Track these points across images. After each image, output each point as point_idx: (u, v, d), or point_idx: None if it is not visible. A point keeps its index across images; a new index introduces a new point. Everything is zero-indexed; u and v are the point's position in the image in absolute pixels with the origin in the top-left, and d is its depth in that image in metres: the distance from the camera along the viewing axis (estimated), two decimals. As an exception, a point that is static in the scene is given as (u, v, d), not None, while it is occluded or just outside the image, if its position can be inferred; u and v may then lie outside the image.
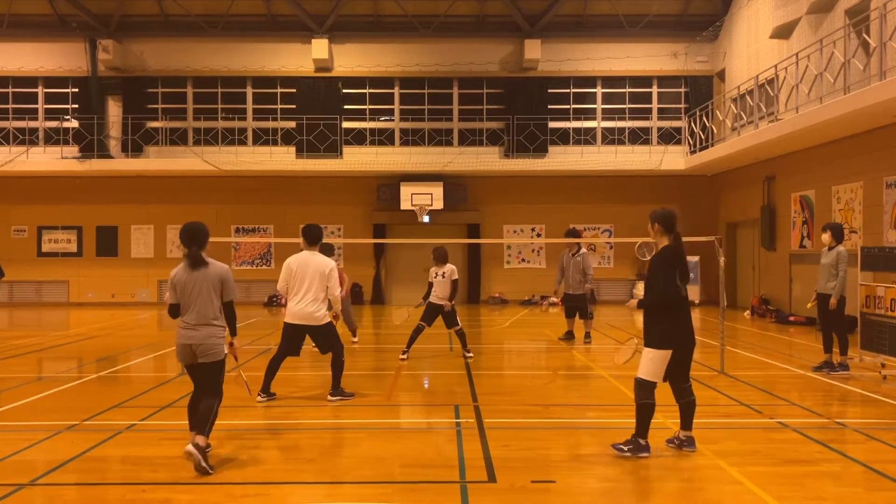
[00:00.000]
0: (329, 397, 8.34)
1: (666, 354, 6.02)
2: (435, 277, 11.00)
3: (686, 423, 6.27)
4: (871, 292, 10.09)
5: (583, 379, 10.06)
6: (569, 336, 13.60)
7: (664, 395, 8.72)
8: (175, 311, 5.98)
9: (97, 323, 17.85)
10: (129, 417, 7.50)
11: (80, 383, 9.79)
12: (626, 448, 6.04)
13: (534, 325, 17.38)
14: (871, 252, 10.66)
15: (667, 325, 6.02)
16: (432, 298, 11.06)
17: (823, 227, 10.44)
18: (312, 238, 8.28)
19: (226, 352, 6.03)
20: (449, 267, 10.99)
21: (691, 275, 24.47)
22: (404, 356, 11.21)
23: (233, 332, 6.16)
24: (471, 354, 11.38)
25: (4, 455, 6.15)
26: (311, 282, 8.07)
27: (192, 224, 6.02)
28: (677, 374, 6.19)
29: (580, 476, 5.64)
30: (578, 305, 13.31)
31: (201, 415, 5.85)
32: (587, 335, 13.44)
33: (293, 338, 8.25)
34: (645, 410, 6.03)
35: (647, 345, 6.07)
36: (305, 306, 8.08)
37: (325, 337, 8.30)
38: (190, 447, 5.61)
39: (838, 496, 5.18)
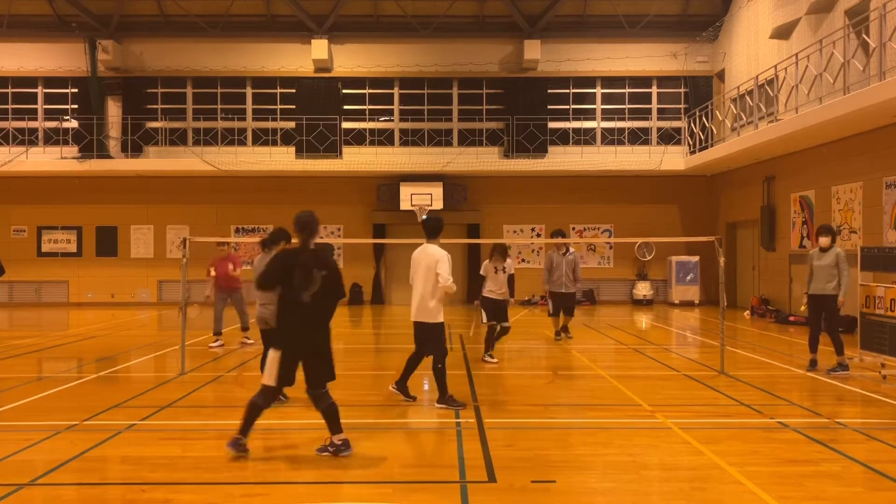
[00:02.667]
0: (436, 404, 8.00)
1: (277, 356, 6.01)
2: (495, 273, 10.91)
3: (333, 427, 6.13)
4: (871, 292, 10.09)
5: (583, 379, 10.07)
6: (564, 330, 13.80)
7: (665, 394, 8.74)
8: None
9: (97, 323, 17.85)
10: (129, 417, 7.49)
11: (80, 383, 9.78)
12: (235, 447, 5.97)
13: (533, 325, 17.38)
14: (870, 252, 10.65)
15: (282, 328, 6.09)
16: (489, 293, 10.96)
17: (824, 230, 10.28)
18: (428, 230, 8.07)
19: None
20: (509, 262, 10.96)
21: (690, 275, 24.17)
22: (491, 359, 11.11)
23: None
24: (494, 360, 11.11)
25: (4, 455, 6.14)
26: (415, 275, 7.97)
27: (277, 228, 8.22)
28: (307, 381, 6.12)
29: (580, 476, 5.64)
30: (569, 304, 13.50)
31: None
32: (566, 329, 13.72)
33: (416, 335, 8.11)
34: (250, 410, 6.03)
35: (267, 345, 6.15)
36: (417, 301, 7.94)
37: (428, 336, 7.98)
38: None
39: (838, 496, 5.18)
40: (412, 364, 8.27)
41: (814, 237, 10.29)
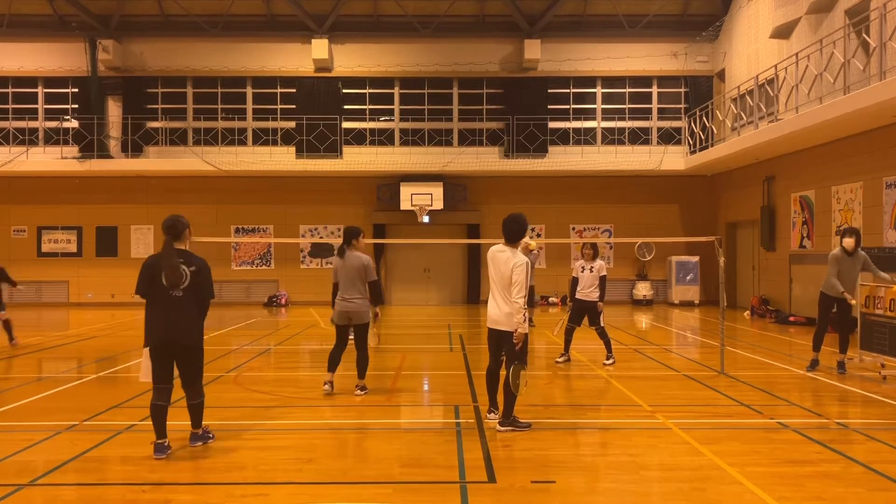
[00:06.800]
0: (498, 426, 7.00)
1: (147, 353, 6.26)
2: (582, 272, 10.89)
3: (193, 422, 6.49)
4: (871, 292, 10.09)
5: (583, 379, 10.07)
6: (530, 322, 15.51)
7: (665, 394, 8.74)
8: (336, 287, 8.58)
9: (97, 323, 17.85)
10: (129, 417, 7.49)
11: (80, 383, 9.78)
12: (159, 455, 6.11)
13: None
14: (870, 252, 10.66)
15: (147, 324, 6.32)
16: (579, 294, 10.94)
17: (851, 233, 9.91)
18: (508, 233, 6.92)
19: (370, 316, 8.56)
20: (599, 262, 10.89)
21: (690, 275, 24.20)
22: (562, 359, 11.13)
23: (374, 303, 8.63)
24: (610, 362, 11.03)
25: (4, 455, 6.15)
26: (492, 280, 6.96)
27: (347, 227, 8.87)
28: (180, 377, 6.35)
29: (580, 476, 5.64)
30: (531, 297, 14.99)
31: (360, 365, 8.68)
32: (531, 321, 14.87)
33: (490, 344, 7.14)
34: (151, 412, 6.17)
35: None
36: (493, 306, 6.96)
37: (508, 347, 6.87)
38: (356, 390, 8.60)
39: (838, 496, 5.18)
40: (499, 383, 7.17)
41: (840, 239, 10.09)
